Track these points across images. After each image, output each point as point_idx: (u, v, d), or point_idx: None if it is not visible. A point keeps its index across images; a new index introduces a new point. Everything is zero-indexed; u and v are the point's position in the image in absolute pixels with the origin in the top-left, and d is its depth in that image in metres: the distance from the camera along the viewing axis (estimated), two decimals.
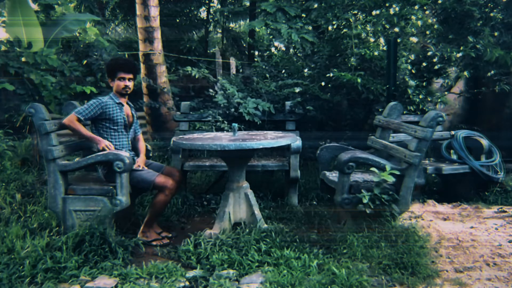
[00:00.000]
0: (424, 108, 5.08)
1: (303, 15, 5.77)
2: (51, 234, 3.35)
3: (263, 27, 5.85)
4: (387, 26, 5.21)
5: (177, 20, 12.53)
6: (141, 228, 3.59)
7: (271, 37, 6.73)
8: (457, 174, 4.53)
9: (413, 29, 5.25)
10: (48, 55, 5.74)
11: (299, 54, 6.51)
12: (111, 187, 3.36)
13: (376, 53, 5.05)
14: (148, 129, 6.79)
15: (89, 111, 3.52)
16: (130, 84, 3.70)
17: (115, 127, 3.63)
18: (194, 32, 13.57)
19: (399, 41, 5.04)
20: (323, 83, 5.46)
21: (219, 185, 5.02)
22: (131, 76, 3.68)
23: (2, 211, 3.94)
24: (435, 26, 5.33)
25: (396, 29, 5.12)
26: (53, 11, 7.57)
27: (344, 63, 5.35)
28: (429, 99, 5.24)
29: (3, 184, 4.68)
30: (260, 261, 2.99)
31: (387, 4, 5.18)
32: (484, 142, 4.63)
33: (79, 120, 3.49)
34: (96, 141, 3.53)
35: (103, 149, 3.46)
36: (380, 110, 4.65)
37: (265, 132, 4.05)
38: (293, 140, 3.44)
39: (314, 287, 2.64)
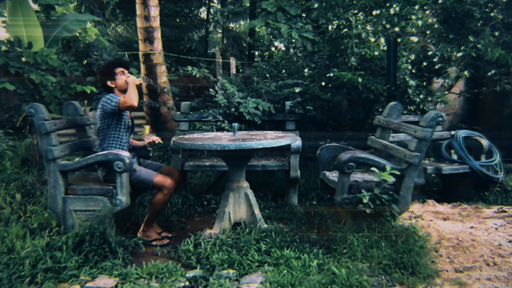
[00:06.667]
0: (424, 108, 5.07)
1: (304, 14, 5.77)
2: (51, 234, 3.35)
3: (264, 27, 5.85)
4: (388, 26, 5.21)
5: (177, 20, 12.53)
6: (141, 227, 3.60)
7: (271, 36, 6.73)
8: (457, 174, 4.53)
9: (413, 29, 5.25)
10: (48, 55, 5.75)
11: (299, 54, 6.50)
12: (111, 187, 3.36)
13: (376, 53, 5.05)
14: (148, 129, 6.79)
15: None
16: None
17: (120, 127, 3.61)
18: (194, 32, 13.57)
19: (399, 41, 5.04)
20: (323, 83, 5.45)
21: (219, 185, 5.01)
22: (127, 70, 3.71)
23: (2, 211, 3.94)
24: (435, 26, 5.33)
25: (397, 29, 5.12)
26: (53, 11, 7.58)
27: (344, 63, 5.34)
28: (429, 99, 5.23)
29: (3, 184, 4.68)
30: (260, 261, 2.99)
31: (387, 4, 5.17)
32: (484, 142, 4.62)
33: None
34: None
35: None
36: (380, 110, 4.64)
37: (265, 132, 4.05)
38: (293, 140, 3.44)
39: (314, 287, 2.64)
